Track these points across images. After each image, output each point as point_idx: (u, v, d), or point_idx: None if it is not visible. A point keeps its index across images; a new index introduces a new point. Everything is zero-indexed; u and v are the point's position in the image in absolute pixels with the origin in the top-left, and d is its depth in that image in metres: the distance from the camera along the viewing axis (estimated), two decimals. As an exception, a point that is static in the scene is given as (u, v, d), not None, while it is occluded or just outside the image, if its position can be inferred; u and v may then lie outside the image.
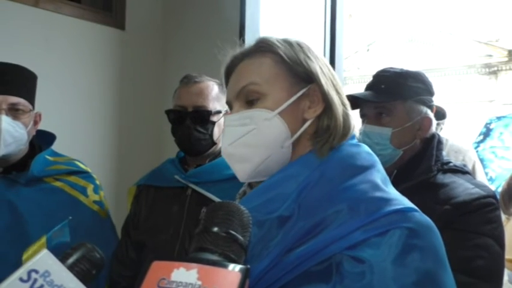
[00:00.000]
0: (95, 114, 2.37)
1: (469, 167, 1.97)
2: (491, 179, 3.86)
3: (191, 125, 1.37)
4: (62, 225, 1.25)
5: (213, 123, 1.40)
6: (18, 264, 0.88)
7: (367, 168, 0.78)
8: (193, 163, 1.46)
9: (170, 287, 0.49)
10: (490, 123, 4.25)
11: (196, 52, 2.42)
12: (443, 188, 1.21)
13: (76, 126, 2.27)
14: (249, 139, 0.80)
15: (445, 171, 1.27)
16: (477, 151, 3.84)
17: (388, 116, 1.31)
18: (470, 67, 13.05)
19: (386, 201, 0.72)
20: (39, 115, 1.44)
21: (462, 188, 1.20)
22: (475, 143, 4.20)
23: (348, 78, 13.45)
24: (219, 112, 1.41)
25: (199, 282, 0.49)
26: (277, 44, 0.83)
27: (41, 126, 1.46)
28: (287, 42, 0.84)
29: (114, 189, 2.32)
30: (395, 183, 0.83)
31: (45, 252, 0.57)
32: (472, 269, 1.10)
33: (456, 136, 3.21)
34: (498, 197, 2.35)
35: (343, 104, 0.85)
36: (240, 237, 0.58)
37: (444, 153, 1.35)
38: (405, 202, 0.74)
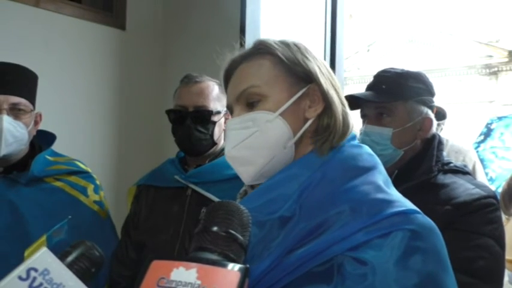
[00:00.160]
0: (95, 114, 2.37)
1: (470, 167, 1.97)
2: (491, 179, 3.86)
3: (192, 124, 1.37)
4: (61, 224, 1.25)
5: (214, 123, 1.39)
6: (18, 264, 0.88)
7: (369, 169, 0.78)
8: (193, 163, 1.45)
9: (170, 286, 0.49)
10: (491, 124, 4.25)
11: (197, 52, 2.42)
12: (443, 189, 1.21)
13: (76, 126, 2.27)
14: (252, 141, 0.80)
15: (445, 172, 1.27)
16: (477, 151, 3.84)
17: (388, 116, 1.31)
18: (471, 68, 13.05)
19: (389, 203, 0.72)
20: (40, 115, 1.44)
21: (463, 188, 1.20)
22: (476, 143, 4.20)
23: (348, 78, 13.46)
24: (219, 112, 1.41)
25: (199, 282, 0.49)
26: (275, 45, 0.84)
27: (41, 126, 1.46)
28: (284, 44, 0.85)
29: (114, 189, 2.32)
30: (396, 184, 0.83)
31: (44, 250, 0.57)
32: (472, 269, 1.10)
33: (456, 137, 3.21)
34: (498, 197, 2.34)
35: (342, 103, 0.85)
36: (239, 236, 0.58)
37: (444, 153, 1.35)
38: (407, 204, 0.74)
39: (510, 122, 4.19)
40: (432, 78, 1.42)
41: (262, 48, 0.84)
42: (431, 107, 1.35)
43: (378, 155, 0.84)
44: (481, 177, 2.89)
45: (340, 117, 0.83)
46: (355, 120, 0.93)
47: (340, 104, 0.84)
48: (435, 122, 1.36)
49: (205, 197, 1.33)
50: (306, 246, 0.69)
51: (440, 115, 2.83)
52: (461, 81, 13.21)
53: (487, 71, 12.94)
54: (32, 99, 1.38)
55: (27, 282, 0.54)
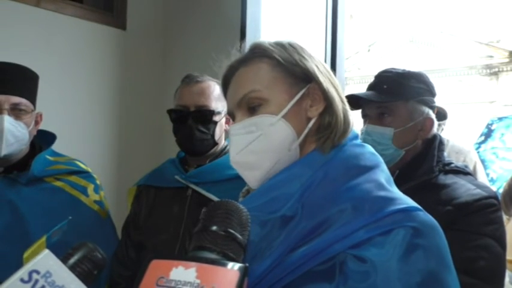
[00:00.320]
0: (95, 114, 2.36)
1: (470, 167, 1.96)
2: (492, 180, 3.86)
3: (193, 124, 1.37)
4: (61, 225, 1.25)
5: (215, 123, 1.39)
6: (18, 264, 0.87)
7: (371, 168, 0.78)
8: (193, 163, 1.45)
9: (169, 285, 0.49)
10: (491, 124, 4.25)
11: (197, 52, 2.42)
12: (445, 189, 1.21)
13: (77, 126, 2.26)
14: (256, 146, 0.80)
15: (446, 172, 1.27)
16: (478, 152, 3.84)
17: (390, 116, 1.31)
18: (471, 68, 13.05)
19: (391, 200, 0.72)
20: (40, 115, 1.44)
21: (464, 188, 1.20)
22: (477, 143, 4.20)
23: (349, 78, 13.46)
24: (220, 112, 1.41)
25: (198, 281, 0.49)
26: (271, 48, 0.84)
27: (42, 126, 1.46)
28: (280, 45, 0.85)
29: (114, 189, 2.32)
30: (397, 184, 0.83)
31: (46, 252, 0.56)
32: (473, 269, 1.10)
33: (457, 137, 3.20)
34: (499, 198, 2.34)
35: (342, 101, 0.85)
36: (238, 236, 0.58)
37: (445, 154, 1.35)
38: (409, 201, 0.74)
39: (511, 122, 4.18)
40: (433, 79, 1.41)
41: (258, 52, 0.84)
42: (432, 107, 1.35)
43: (379, 155, 0.84)
44: (481, 177, 2.89)
45: (341, 114, 0.83)
46: (356, 120, 0.93)
47: (340, 102, 0.84)
48: (436, 122, 1.36)
49: (205, 197, 1.33)
50: (307, 245, 0.69)
51: (441, 115, 2.83)
52: (462, 82, 13.20)
53: (488, 71, 12.93)
54: (32, 99, 1.38)
55: (29, 285, 0.53)
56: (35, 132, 1.42)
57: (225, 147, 1.47)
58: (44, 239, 1.16)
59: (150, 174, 1.53)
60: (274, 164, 0.80)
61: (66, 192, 1.42)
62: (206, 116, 1.38)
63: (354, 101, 1.35)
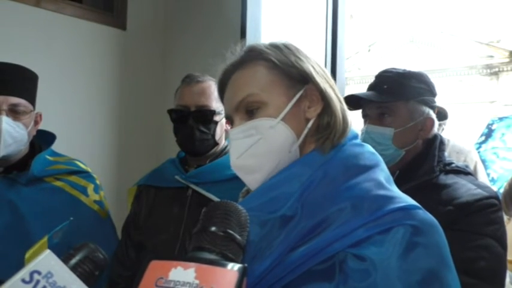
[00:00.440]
0: (95, 114, 2.36)
1: (471, 167, 1.96)
2: (492, 180, 3.85)
3: (194, 124, 1.37)
4: (63, 226, 1.25)
5: (216, 123, 1.39)
6: (19, 264, 0.87)
7: (370, 167, 0.78)
8: (193, 163, 1.45)
9: (168, 286, 0.49)
10: (492, 124, 4.24)
11: (197, 52, 2.42)
12: (445, 189, 1.21)
13: (77, 126, 2.27)
14: (256, 149, 0.80)
15: (447, 172, 1.27)
16: (479, 152, 3.83)
17: (390, 116, 1.31)
18: (472, 68, 13.05)
19: (390, 199, 0.72)
20: (40, 115, 1.44)
21: (465, 188, 1.20)
22: (477, 143, 4.19)
23: (349, 78, 13.45)
24: (221, 112, 1.41)
25: (197, 281, 0.49)
26: (267, 50, 0.83)
27: (42, 126, 1.46)
28: (275, 47, 0.84)
29: (114, 189, 2.32)
30: (398, 184, 0.83)
31: (47, 253, 0.56)
32: (474, 269, 1.09)
33: (457, 137, 3.20)
34: (500, 197, 2.34)
35: (340, 100, 0.85)
36: (237, 236, 0.58)
37: (446, 153, 1.34)
38: (408, 200, 0.74)
39: (511, 122, 4.18)
40: (433, 79, 1.41)
41: (254, 54, 0.84)
42: (432, 107, 1.35)
43: (379, 155, 0.84)
44: (482, 177, 2.89)
45: (340, 114, 0.83)
46: (356, 120, 0.93)
47: (338, 102, 0.84)
48: (437, 122, 1.36)
49: (206, 197, 1.32)
50: (307, 244, 0.69)
51: (442, 115, 2.83)
52: (462, 82, 13.20)
53: (488, 71, 12.93)
54: (31, 99, 1.38)
55: (30, 285, 0.53)
56: (34, 133, 1.42)
57: (226, 147, 1.47)
58: (45, 239, 1.16)
59: (150, 174, 1.53)
60: (275, 166, 0.80)
61: (66, 192, 1.42)
62: (207, 116, 1.38)
63: (355, 101, 1.35)
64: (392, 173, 0.85)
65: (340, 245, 0.68)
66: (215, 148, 1.43)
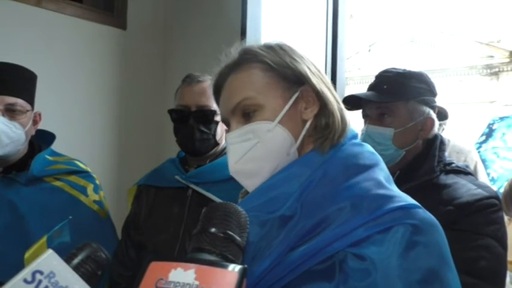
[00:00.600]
0: (95, 114, 2.37)
1: (471, 167, 1.96)
2: (493, 180, 3.85)
3: (194, 124, 1.37)
4: (62, 225, 1.25)
5: (216, 123, 1.39)
6: (18, 264, 0.87)
7: (370, 166, 0.78)
8: (194, 163, 1.45)
9: (168, 287, 0.49)
10: (492, 124, 4.24)
11: (198, 52, 2.42)
12: (446, 189, 1.21)
13: (77, 126, 2.27)
14: (254, 153, 0.80)
15: (447, 172, 1.27)
16: (479, 152, 3.83)
17: (390, 117, 1.31)
18: (472, 68, 13.04)
19: (389, 198, 0.72)
20: (39, 115, 1.43)
21: (465, 188, 1.20)
22: (478, 143, 4.19)
23: (349, 78, 13.44)
24: (221, 112, 1.41)
25: (197, 283, 0.49)
26: (261, 52, 0.82)
27: (42, 125, 1.46)
28: (269, 48, 0.83)
29: (114, 189, 2.32)
30: (398, 184, 0.83)
31: (50, 252, 0.56)
32: (474, 269, 1.09)
33: (457, 137, 3.20)
34: (500, 197, 2.33)
35: (337, 100, 0.85)
36: (237, 237, 0.58)
37: (446, 153, 1.34)
38: (408, 199, 0.74)
39: (512, 122, 4.17)
40: (433, 79, 1.41)
41: (248, 57, 0.83)
42: (433, 107, 1.35)
43: (379, 155, 0.84)
44: (482, 177, 2.88)
45: (338, 114, 0.82)
46: (356, 120, 0.93)
47: (335, 102, 0.84)
48: (437, 122, 1.36)
49: (206, 197, 1.32)
50: (307, 244, 0.69)
51: (442, 115, 2.83)
52: (462, 82, 13.19)
53: (488, 71, 12.92)
54: (29, 99, 1.38)
55: (32, 285, 0.53)
56: (33, 132, 1.42)
57: (226, 147, 1.47)
58: (44, 239, 1.16)
59: (150, 174, 1.52)
60: (274, 170, 0.80)
61: (66, 192, 1.42)
62: (207, 116, 1.37)
63: (355, 101, 1.35)
64: (392, 173, 0.85)
65: (340, 245, 0.68)
66: (215, 148, 1.43)
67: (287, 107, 0.80)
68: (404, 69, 1.36)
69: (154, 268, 0.51)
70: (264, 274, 0.68)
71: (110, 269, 1.43)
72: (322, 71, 0.87)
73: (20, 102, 1.33)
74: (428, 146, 1.33)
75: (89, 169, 1.53)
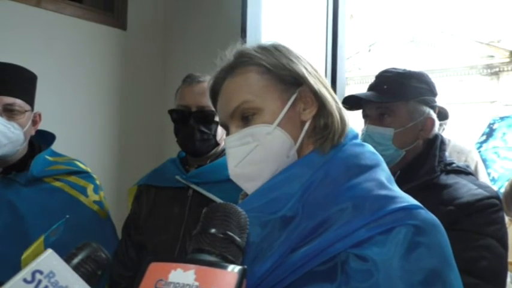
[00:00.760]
0: (95, 114, 2.36)
1: (472, 167, 1.96)
2: (493, 179, 3.85)
3: (195, 125, 1.37)
4: (59, 224, 1.25)
5: (217, 123, 1.39)
6: (18, 264, 0.87)
7: (371, 167, 0.78)
8: (194, 163, 1.45)
9: (167, 288, 0.49)
10: (493, 124, 4.24)
11: (198, 52, 2.42)
12: (446, 189, 1.21)
13: (77, 126, 2.26)
14: (254, 157, 0.79)
15: (448, 172, 1.26)
16: (480, 151, 3.83)
17: (390, 117, 1.31)
18: (472, 68, 13.04)
19: (391, 199, 0.72)
20: (39, 115, 1.43)
21: (466, 188, 1.19)
22: (478, 143, 4.19)
23: (350, 78, 13.44)
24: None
25: (197, 283, 0.49)
26: (257, 54, 0.82)
27: (42, 126, 1.46)
28: (265, 50, 0.83)
29: (114, 189, 2.32)
30: (399, 184, 0.82)
31: (50, 252, 0.56)
32: (475, 269, 1.09)
33: (458, 137, 3.20)
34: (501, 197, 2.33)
35: (335, 100, 0.84)
36: (237, 238, 0.58)
37: (447, 153, 1.34)
38: (410, 200, 0.74)
39: (512, 122, 4.17)
40: (433, 79, 1.41)
41: (244, 60, 0.82)
42: (433, 107, 1.35)
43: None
44: (483, 177, 2.88)
45: (337, 114, 0.82)
46: (355, 119, 0.92)
47: (333, 101, 0.83)
48: (437, 122, 1.35)
49: (206, 197, 1.32)
50: (308, 245, 0.69)
51: (442, 115, 2.82)
52: (463, 82, 13.20)
53: (489, 71, 12.93)
54: (28, 99, 1.38)
55: (32, 285, 0.53)
56: (32, 132, 1.42)
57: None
58: (41, 239, 1.15)
59: (150, 174, 1.52)
60: (273, 172, 0.80)
61: (66, 192, 1.42)
62: (208, 117, 1.37)
63: (355, 101, 1.35)
64: (393, 173, 0.85)
65: (342, 246, 0.68)
66: (216, 148, 1.43)
67: (285, 109, 0.80)
68: (404, 69, 1.36)
69: (154, 269, 0.51)
70: (266, 275, 0.68)
71: (110, 269, 1.43)
72: (320, 70, 0.87)
73: (18, 102, 1.33)
74: (428, 146, 1.33)
75: (89, 169, 1.52)
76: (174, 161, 1.49)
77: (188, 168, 1.45)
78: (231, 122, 0.83)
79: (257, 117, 0.80)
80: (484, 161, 3.56)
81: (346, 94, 1.40)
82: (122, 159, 2.47)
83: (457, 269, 0.71)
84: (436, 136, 1.34)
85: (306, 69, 0.82)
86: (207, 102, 1.37)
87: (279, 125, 0.79)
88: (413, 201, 0.74)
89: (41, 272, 0.54)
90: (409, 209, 0.71)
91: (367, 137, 1.31)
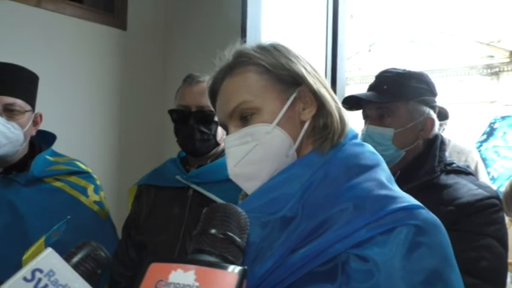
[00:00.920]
0: (96, 114, 2.37)
1: (472, 167, 1.96)
2: (493, 179, 3.86)
3: (195, 125, 1.37)
4: (60, 225, 1.25)
5: (217, 123, 1.39)
6: (18, 264, 0.87)
7: (371, 167, 0.77)
8: (194, 163, 1.45)
9: (168, 288, 0.49)
10: (494, 123, 4.25)
11: (198, 52, 2.42)
12: (446, 189, 1.21)
13: (77, 126, 2.27)
14: (253, 156, 0.79)
15: (448, 172, 1.26)
16: (480, 150, 3.84)
17: (390, 117, 1.31)
18: (472, 68, 13.04)
19: (392, 199, 0.72)
20: (40, 115, 1.43)
21: (466, 189, 1.19)
22: (478, 142, 4.20)
23: (350, 78, 13.43)
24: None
25: (197, 284, 0.49)
26: (256, 54, 0.82)
27: (42, 126, 1.46)
28: (264, 49, 0.83)
29: (115, 189, 2.32)
30: (399, 184, 0.82)
31: (49, 251, 0.56)
32: (476, 269, 1.09)
33: (458, 137, 3.20)
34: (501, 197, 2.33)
35: (334, 99, 0.84)
36: (237, 238, 0.58)
37: (447, 154, 1.34)
38: (411, 200, 0.74)
39: (513, 121, 4.18)
40: (433, 79, 1.41)
41: (243, 60, 0.82)
42: (433, 107, 1.35)
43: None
44: (483, 177, 2.88)
45: (336, 113, 0.82)
46: (355, 119, 0.92)
47: (333, 101, 0.83)
48: (437, 122, 1.35)
49: (206, 197, 1.32)
50: (309, 245, 0.69)
51: (442, 115, 2.82)
52: (463, 82, 13.19)
53: (489, 71, 12.92)
54: (29, 99, 1.38)
55: (32, 283, 0.53)
56: (33, 133, 1.42)
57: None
58: (42, 239, 1.16)
59: (150, 174, 1.52)
60: (273, 172, 0.79)
61: (66, 192, 1.42)
62: (208, 117, 1.37)
63: (355, 101, 1.35)
64: (393, 173, 0.85)
65: (342, 246, 0.67)
66: (216, 148, 1.43)
67: (285, 108, 0.80)
68: (404, 70, 1.36)
69: (154, 269, 0.51)
70: (266, 276, 0.68)
71: (111, 269, 1.43)
72: (320, 70, 0.87)
73: (18, 102, 1.33)
74: (428, 146, 1.33)
75: (89, 169, 1.52)
76: (174, 161, 1.49)
77: (188, 168, 1.45)
78: (230, 122, 0.83)
79: (256, 117, 0.79)
80: (484, 160, 3.57)
81: (346, 94, 1.40)
82: (122, 159, 2.47)
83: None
84: (436, 136, 1.34)
85: (305, 69, 0.82)
86: (207, 102, 1.37)
87: (278, 124, 0.79)
88: (414, 201, 0.74)
89: (40, 271, 0.54)
90: (410, 209, 0.71)
91: (367, 137, 1.31)
